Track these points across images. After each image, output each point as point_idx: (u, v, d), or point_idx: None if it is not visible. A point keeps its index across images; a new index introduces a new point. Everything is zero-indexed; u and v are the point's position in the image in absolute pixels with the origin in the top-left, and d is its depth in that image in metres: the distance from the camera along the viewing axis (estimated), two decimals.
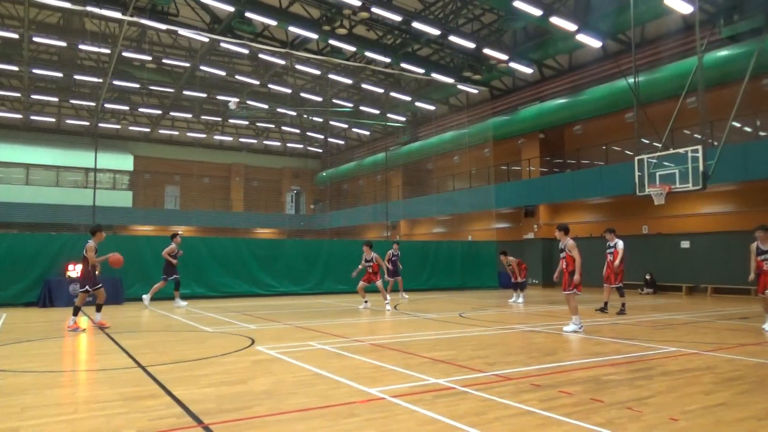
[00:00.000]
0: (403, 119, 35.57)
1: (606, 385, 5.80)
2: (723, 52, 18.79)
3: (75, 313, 10.33)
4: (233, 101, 25.91)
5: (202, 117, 39.21)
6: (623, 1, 18.98)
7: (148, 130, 41.17)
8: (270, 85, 31.92)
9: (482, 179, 30.41)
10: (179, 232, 16.46)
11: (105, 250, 11.21)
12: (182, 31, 23.09)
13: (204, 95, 33.42)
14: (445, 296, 20.00)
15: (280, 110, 35.55)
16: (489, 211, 28.22)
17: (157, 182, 42.74)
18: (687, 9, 17.40)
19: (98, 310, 10.80)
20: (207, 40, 24.38)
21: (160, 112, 37.05)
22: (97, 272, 10.69)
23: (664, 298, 18.81)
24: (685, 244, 21.04)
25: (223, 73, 30.24)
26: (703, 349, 8.09)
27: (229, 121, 39.54)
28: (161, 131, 41.42)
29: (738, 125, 19.44)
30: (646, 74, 20.26)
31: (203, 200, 43.27)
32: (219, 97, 33.60)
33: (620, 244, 13.54)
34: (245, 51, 26.67)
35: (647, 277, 21.39)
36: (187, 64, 28.79)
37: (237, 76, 30.85)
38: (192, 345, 8.71)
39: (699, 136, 15.23)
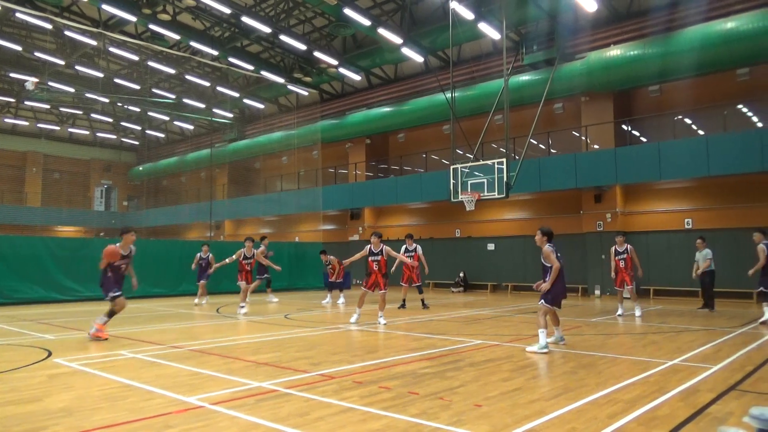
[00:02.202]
0: (230, 116, 34.32)
1: (421, 378, 6.20)
2: (525, 77, 21.27)
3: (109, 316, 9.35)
4: (31, 81, 22.68)
5: None
6: (444, 21, 20.50)
7: None
8: (78, 67, 28.63)
9: (310, 181, 30.61)
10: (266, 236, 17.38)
11: None
12: None
13: None
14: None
15: (89, 95, 32.04)
16: (316, 212, 28.48)
17: None
18: (496, 35, 19.37)
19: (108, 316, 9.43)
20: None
21: None
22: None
23: (473, 296, 20.66)
24: (491, 246, 23.39)
25: (19, 48, 26.41)
26: (503, 341, 9.05)
27: (25, 103, 34.57)
28: None
29: (535, 142, 22.12)
30: (461, 91, 22.10)
31: None
32: (12, 75, 29.25)
33: (419, 248, 14.86)
34: (48, 26, 23.59)
35: (460, 275, 23.33)
36: None
37: (37, 53, 27.14)
38: None
39: (504, 150, 17.04)
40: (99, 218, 40.58)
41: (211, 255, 16.75)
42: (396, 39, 21.26)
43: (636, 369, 6.72)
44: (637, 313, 12.65)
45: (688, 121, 20.07)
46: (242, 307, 13.57)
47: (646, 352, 8.00)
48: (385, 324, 11.16)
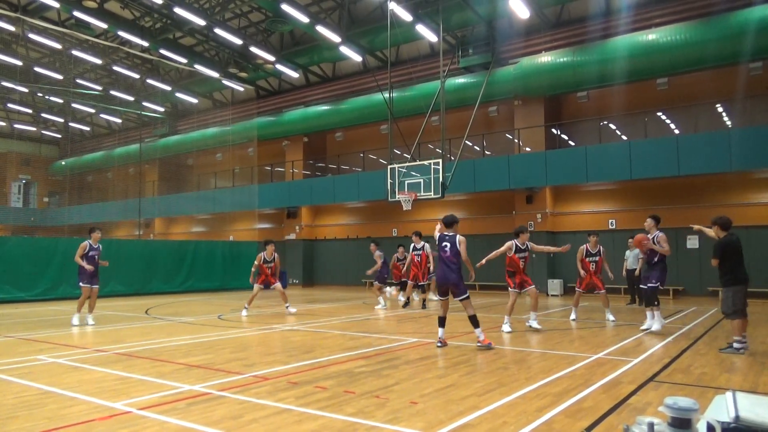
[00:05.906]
0: (161, 110, 33.09)
1: (357, 377, 6.20)
2: (460, 80, 21.69)
3: (475, 324, 8.25)
4: None
5: None
6: (382, 21, 20.59)
7: None
8: None
9: (246, 179, 29.99)
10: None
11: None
12: None
13: None
14: (203, 298, 19.19)
15: (5, 84, 30.05)
16: (252, 211, 27.95)
17: None
18: (433, 38, 19.66)
19: (475, 324, 8.31)
20: None
21: None
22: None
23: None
24: (427, 246, 23.64)
25: None
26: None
27: None
28: None
29: (470, 144, 22.60)
30: (399, 91, 22.28)
31: None
32: None
33: (427, 247, 14.85)
34: None
35: None
36: None
37: None
38: None
39: (440, 151, 17.32)
40: (17, 215, 38.17)
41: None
42: (334, 37, 21.16)
43: (563, 363, 6.99)
44: (611, 317, 11.38)
45: (612, 126, 21.09)
46: (279, 308, 13.68)
47: (573, 346, 8.35)
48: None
